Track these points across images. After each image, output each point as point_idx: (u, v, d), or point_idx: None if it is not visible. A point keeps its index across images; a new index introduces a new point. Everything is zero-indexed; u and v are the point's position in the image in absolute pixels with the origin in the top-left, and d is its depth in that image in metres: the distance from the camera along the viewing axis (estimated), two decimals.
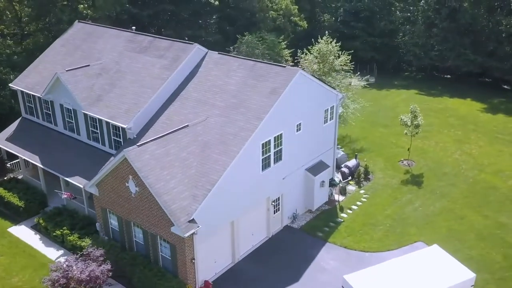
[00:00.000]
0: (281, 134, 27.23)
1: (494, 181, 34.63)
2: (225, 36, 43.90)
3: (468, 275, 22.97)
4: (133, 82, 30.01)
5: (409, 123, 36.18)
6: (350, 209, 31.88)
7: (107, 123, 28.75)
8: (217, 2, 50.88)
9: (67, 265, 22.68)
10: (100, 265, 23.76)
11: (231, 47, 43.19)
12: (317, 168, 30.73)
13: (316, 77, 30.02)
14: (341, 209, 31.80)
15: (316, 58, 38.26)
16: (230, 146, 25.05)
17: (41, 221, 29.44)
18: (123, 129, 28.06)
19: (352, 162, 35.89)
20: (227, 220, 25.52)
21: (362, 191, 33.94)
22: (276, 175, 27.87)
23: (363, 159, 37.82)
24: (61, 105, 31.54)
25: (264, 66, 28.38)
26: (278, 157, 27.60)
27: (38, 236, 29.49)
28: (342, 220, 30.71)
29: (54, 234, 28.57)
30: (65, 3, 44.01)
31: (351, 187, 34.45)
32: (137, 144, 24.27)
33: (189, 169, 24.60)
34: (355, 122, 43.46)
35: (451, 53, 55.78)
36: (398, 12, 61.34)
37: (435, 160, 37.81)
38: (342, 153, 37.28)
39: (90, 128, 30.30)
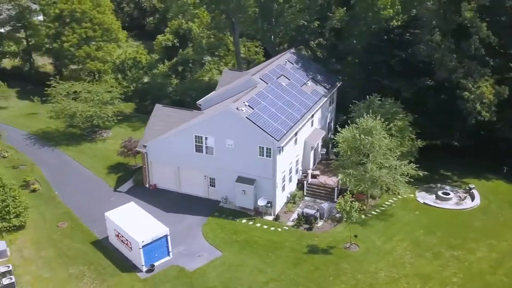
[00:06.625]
0: (211, 138, 42.98)
1: None
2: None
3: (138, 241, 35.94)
4: None
5: (342, 205, 37.73)
6: (255, 223, 42.05)
7: None
8: None
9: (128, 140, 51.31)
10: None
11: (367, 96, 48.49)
12: (244, 180, 42.90)
13: (251, 120, 41.09)
14: (251, 220, 42.58)
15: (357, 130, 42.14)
16: (180, 126, 44.72)
17: None
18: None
19: (310, 211, 42.12)
20: (171, 163, 45.82)
21: (285, 227, 41.65)
22: (208, 162, 44.04)
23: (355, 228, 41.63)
24: None
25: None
26: (210, 151, 43.65)
27: None
28: (237, 221, 42.41)
29: None
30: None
31: (290, 223, 42.33)
32: (164, 105, 48.61)
33: (169, 127, 46.49)
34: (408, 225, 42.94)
35: None
36: None
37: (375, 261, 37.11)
38: (327, 204, 42.87)
39: None
